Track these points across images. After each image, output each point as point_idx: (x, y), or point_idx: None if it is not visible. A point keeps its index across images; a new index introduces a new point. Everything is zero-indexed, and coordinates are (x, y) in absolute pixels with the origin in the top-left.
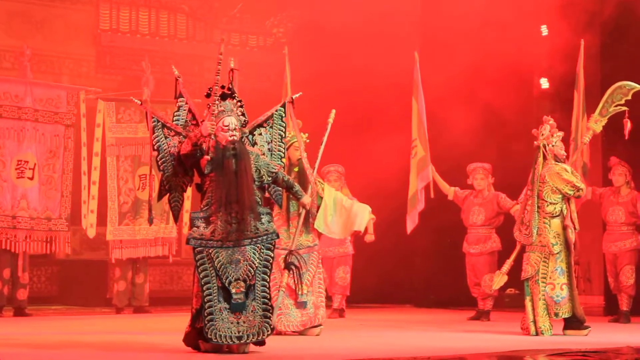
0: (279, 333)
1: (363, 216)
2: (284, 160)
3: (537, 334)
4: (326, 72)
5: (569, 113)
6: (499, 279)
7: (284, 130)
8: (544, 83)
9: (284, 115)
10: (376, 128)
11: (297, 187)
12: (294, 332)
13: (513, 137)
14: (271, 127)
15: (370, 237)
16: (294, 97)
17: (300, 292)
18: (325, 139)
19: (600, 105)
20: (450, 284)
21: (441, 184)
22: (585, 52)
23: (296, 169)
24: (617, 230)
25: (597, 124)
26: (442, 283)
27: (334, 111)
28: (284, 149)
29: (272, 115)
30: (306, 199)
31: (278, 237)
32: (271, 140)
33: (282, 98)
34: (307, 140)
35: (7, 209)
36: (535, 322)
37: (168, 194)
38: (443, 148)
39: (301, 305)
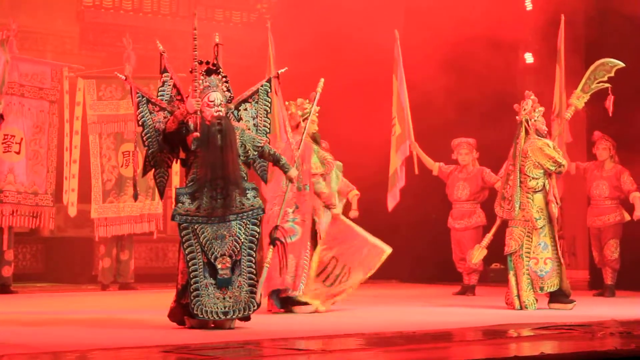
0: None
1: None
2: (269, 135)
3: (521, 308)
4: (310, 49)
5: (553, 88)
6: (479, 253)
7: (269, 105)
8: (529, 58)
9: (269, 90)
10: (359, 105)
11: (284, 160)
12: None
13: (497, 112)
14: (256, 102)
15: (354, 213)
16: (279, 72)
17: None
18: (313, 108)
19: (583, 81)
20: (435, 259)
21: (425, 159)
22: (568, 26)
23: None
24: (602, 205)
25: (579, 100)
26: (427, 258)
27: (322, 80)
28: (269, 124)
29: (257, 91)
30: (293, 172)
31: (264, 212)
32: (256, 116)
33: (267, 73)
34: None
35: None
36: (519, 296)
37: (153, 170)
38: (427, 123)
39: None
